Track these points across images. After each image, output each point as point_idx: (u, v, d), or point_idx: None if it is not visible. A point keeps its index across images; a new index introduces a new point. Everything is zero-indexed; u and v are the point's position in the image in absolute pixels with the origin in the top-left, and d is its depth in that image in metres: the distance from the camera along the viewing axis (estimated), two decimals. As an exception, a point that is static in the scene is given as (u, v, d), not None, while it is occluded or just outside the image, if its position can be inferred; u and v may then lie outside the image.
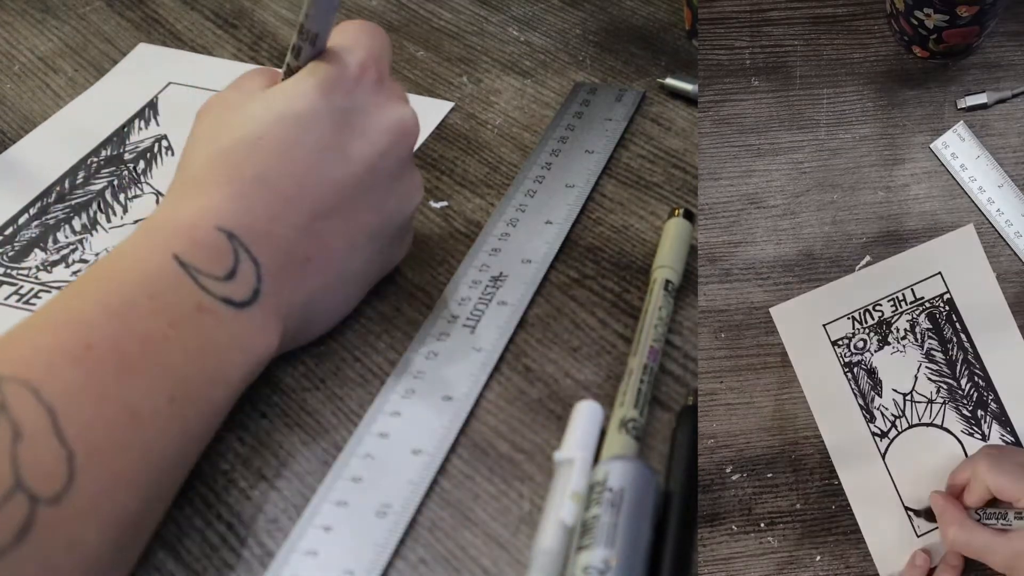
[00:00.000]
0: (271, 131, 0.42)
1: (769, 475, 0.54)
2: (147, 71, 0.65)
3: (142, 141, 0.60)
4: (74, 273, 0.52)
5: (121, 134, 0.60)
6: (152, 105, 0.62)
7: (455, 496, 0.41)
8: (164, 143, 0.59)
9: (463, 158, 0.57)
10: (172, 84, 0.64)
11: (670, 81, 0.59)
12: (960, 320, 0.54)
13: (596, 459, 0.41)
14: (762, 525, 0.53)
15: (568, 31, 0.65)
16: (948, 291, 0.55)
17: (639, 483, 0.38)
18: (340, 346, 0.47)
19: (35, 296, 0.50)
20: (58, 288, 0.51)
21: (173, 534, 0.40)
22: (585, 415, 0.42)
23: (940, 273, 0.55)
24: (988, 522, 0.49)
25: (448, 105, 0.60)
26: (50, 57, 0.66)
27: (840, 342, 0.54)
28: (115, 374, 0.35)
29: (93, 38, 0.68)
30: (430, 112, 0.60)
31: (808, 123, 0.58)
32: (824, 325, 0.55)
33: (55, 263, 0.52)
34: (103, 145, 0.59)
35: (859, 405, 0.54)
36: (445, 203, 0.54)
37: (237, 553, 0.39)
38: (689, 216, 0.50)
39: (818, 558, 0.54)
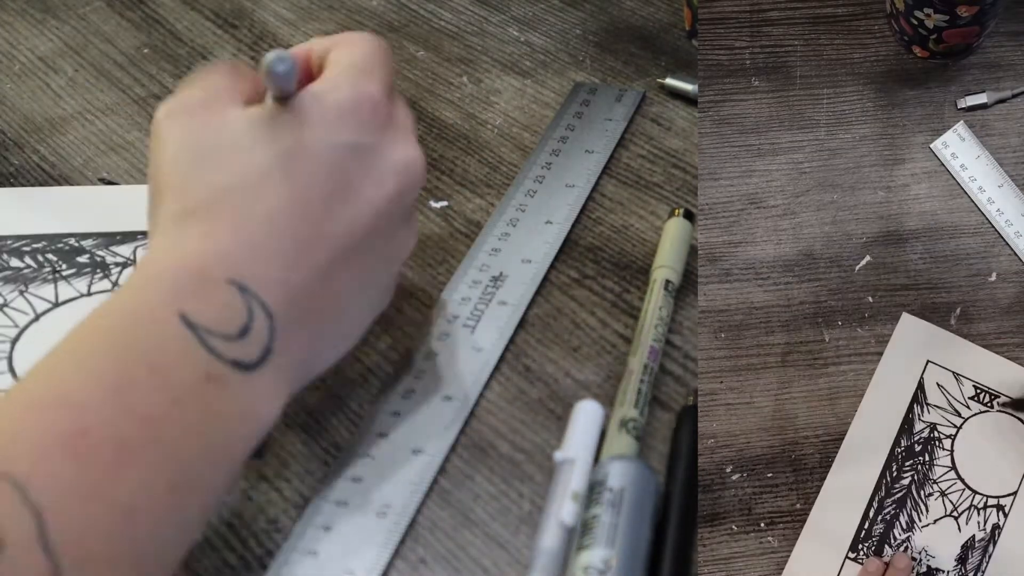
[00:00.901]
0: (282, 167, 0.37)
1: (769, 475, 0.54)
2: None
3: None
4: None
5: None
6: None
7: (455, 496, 0.41)
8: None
9: (463, 158, 0.57)
10: None
11: (670, 81, 0.59)
12: None
13: (596, 459, 0.41)
14: (762, 525, 0.53)
15: (568, 31, 0.65)
16: None
17: (639, 483, 0.38)
18: (340, 346, 0.47)
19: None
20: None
21: (173, 534, 0.40)
22: (585, 415, 0.42)
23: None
24: None
25: None
26: (50, 57, 0.66)
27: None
28: (111, 466, 0.31)
29: (93, 38, 0.68)
30: None
31: (808, 123, 0.58)
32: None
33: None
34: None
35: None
36: (445, 203, 0.54)
37: (238, 553, 0.39)
38: (689, 216, 0.50)
39: (818, 558, 0.54)
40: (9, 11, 0.70)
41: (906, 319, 0.55)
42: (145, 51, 0.66)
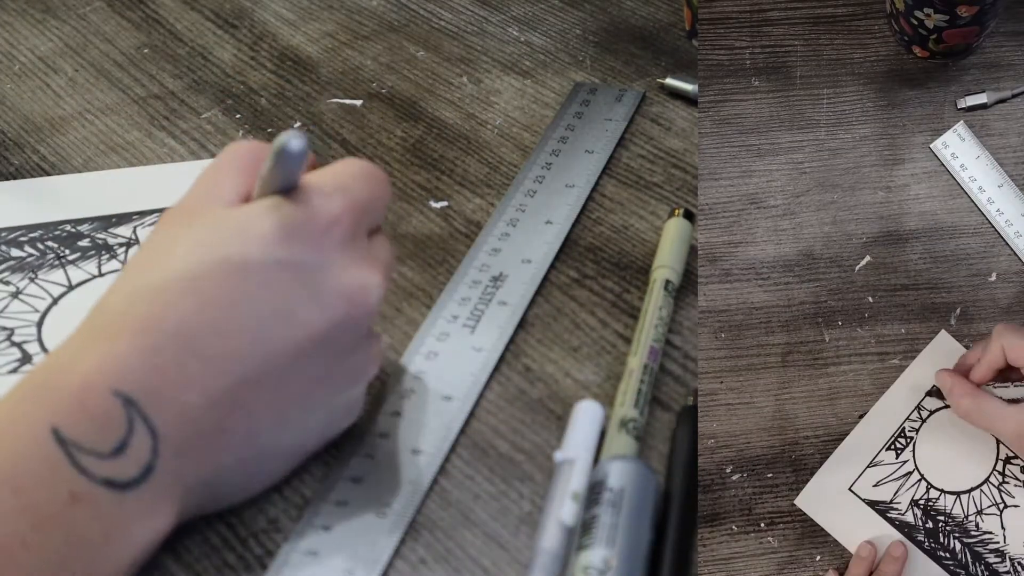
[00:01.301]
0: (209, 275, 0.35)
1: (769, 475, 0.54)
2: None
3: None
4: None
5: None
6: None
7: (455, 496, 0.41)
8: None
9: (463, 158, 0.57)
10: None
11: (670, 81, 0.59)
12: None
13: (596, 459, 0.41)
14: (762, 525, 0.54)
15: (568, 31, 0.65)
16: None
17: (639, 483, 0.38)
18: (340, 346, 0.47)
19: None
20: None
21: (174, 534, 0.40)
22: (585, 415, 0.42)
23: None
24: (997, 391, 0.50)
25: None
26: (50, 57, 0.66)
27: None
28: None
29: (93, 38, 0.68)
30: None
31: (808, 123, 0.58)
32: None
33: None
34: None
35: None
36: (445, 203, 0.54)
37: (237, 553, 0.39)
38: (689, 216, 0.50)
39: (818, 558, 0.54)
40: (9, 11, 0.70)
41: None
42: (145, 51, 0.66)
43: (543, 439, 0.43)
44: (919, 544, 0.53)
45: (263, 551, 0.39)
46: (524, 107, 0.60)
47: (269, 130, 0.60)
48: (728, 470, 0.54)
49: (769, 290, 0.56)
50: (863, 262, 0.56)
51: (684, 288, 0.49)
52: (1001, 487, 0.53)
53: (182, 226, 0.37)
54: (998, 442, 0.54)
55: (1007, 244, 0.56)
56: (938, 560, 0.53)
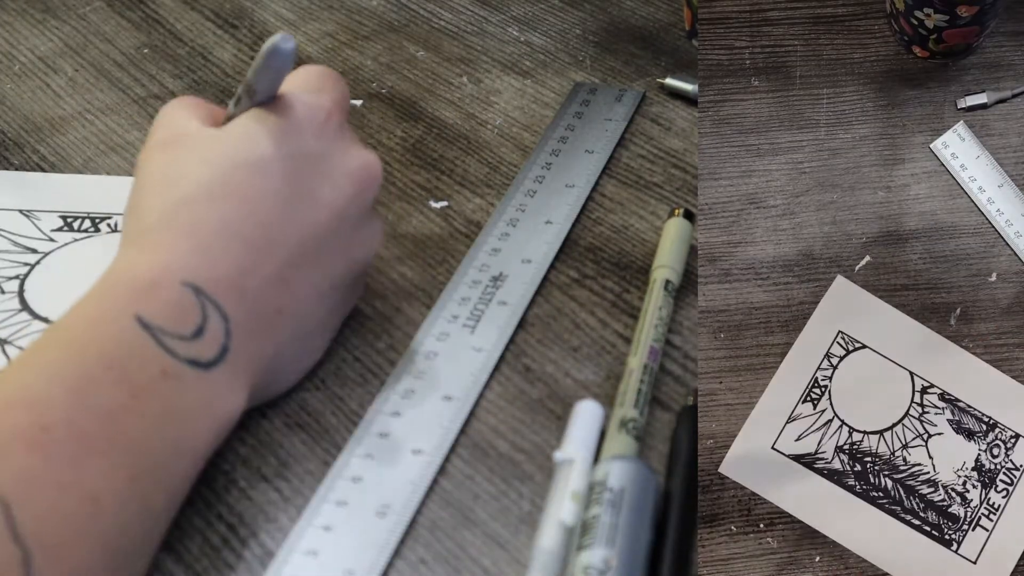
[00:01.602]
0: (233, 177, 0.39)
1: (769, 475, 0.54)
2: None
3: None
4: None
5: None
6: None
7: (455, 496, 0.41)
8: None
9: (463, 158, 0.57)
10: None
11: (670, 81, 0.59)
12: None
13: (596, 459, 0.41)
14: (761, 526, 0.53)
15: (568, 31, 0.65)
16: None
17: (639, 483, 0.38)
18: (340, 346, 0.47)
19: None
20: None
21: (173, 534, 0.40)
22: (585, 415, 0.42)
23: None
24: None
25: None
26: (50, 57, 0.66)
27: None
28: (74, 458, 0.33)
29: (93, 38, 0.68)
30: None
31: (808, 123, 0.58)
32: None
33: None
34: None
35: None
36: (445, 203, 0.54)
37: (237, 553, 0.39)
38: (689, 216, 0.50)
39: (818, 558, 0.54)
40: (9, 11, 0.70)
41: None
42: (145, 51, 0.66)
43: (543, 439, 0.43)
44: (850, 489, 0.53)
45: (263, 551, 0.39)
46: (524, 107, 0.60)
47: (269, 130, 0.60)
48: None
49: (769, 290, 0.56)
50: (863, 262, 0.56)
51: (684, 288, 0.49)
52: (922, 418, 0.54)
53: (177, 150, 0.41)
54: (912, 374, 0.54)
55: (1007, 244, 0.56)
56: (872, 501, 0.53)
